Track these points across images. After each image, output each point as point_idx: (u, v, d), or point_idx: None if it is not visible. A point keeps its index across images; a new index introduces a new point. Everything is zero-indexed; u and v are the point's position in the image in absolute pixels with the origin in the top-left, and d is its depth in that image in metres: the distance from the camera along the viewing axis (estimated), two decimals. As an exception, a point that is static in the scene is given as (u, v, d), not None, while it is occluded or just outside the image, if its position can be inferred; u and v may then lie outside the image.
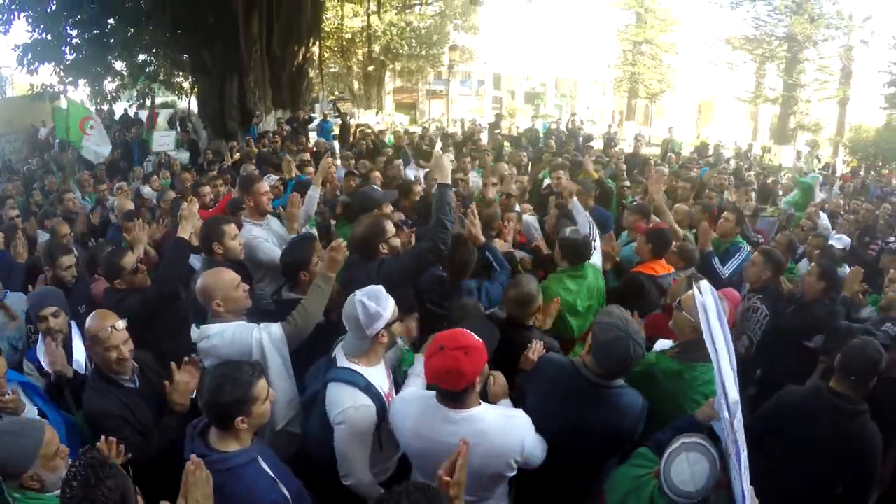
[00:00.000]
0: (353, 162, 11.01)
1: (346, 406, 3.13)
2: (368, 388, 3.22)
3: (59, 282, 5.12)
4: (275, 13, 19.02)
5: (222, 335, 3.67)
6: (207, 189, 7.94)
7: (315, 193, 6.07)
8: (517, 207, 6.77)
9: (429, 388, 3.16)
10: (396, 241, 4.66)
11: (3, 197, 9.31)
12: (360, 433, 3.16)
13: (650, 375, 3.72)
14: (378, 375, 3.37)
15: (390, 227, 4.55)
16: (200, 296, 3.81)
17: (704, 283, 3.14)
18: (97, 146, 12.63)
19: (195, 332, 3.76)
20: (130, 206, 7.45)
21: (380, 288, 3.33)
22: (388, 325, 3.29)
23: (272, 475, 2.86)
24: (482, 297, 4.64)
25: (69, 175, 12.26)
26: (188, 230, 4.57)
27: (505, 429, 2.90)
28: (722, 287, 4.31)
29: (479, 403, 2.94)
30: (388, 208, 6.02)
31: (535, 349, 3.73)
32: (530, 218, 6.78)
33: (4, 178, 14.60)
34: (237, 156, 13.18)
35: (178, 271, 4.59)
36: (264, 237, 5.30)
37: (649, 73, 41.60)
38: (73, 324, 4.35)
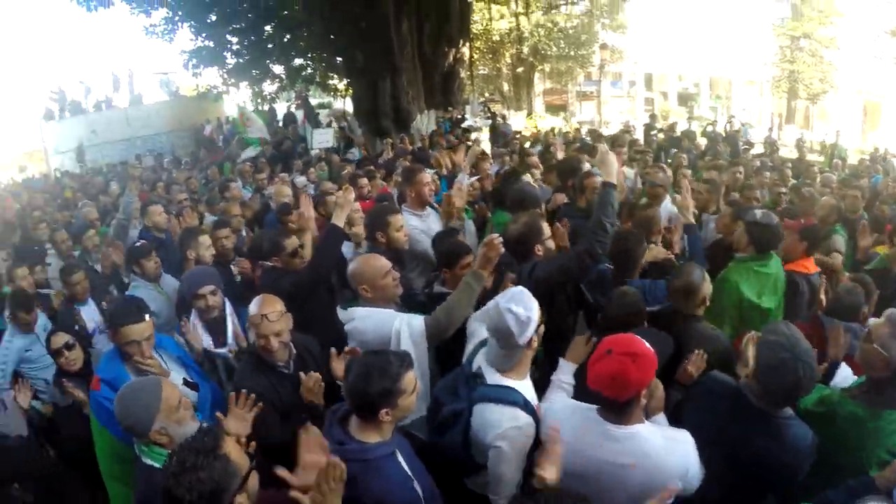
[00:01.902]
0: (507, 159, 10.93)
1: (507, 427, 2.89)
2: (526, 405, 2.99)
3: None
4: (424, 15, 19.53)
5: (365, 319, 3.74)
6: (365, 181, 8.04)
7: (463, 178, 6.03)
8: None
9: (576, 398, 3.07)
10: (551, 244, 4.40)
11: (170, 183, 9.95)
12: (520, 453, 2.94)
13: (829, 416, 3.14)
14: (529, 388, 3.13)
15: (547, 228, 4.33)
16: (351, 279, 3.89)
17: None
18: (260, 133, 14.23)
19: (342, 312, 3.86)
20: (288, 192, 7.74)
21: (522, 290, 3.07)
22: (538, 329, 3.03)
23: (408, 472, 2.76)
24: (647, 298, 4.27)
25: (234, 165, 13.29)
26: (342, 218, 4.58)
27: (669, 451, 2.63)
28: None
29: (643, 420, 2.69)
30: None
31: (695, 361, 3.45)
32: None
33: (173, 167, 15.80)
34: (392, 153, 13.38)
35: (331, 257, 4.58)
36: (422, 228, 5.29)
37: (809, 72, 37.96)
38: (228, 302, 4.51)
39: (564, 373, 3.39)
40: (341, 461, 2.32)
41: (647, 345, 2.62)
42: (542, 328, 3.05)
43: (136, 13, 23.20)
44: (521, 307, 2.92)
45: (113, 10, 22.88)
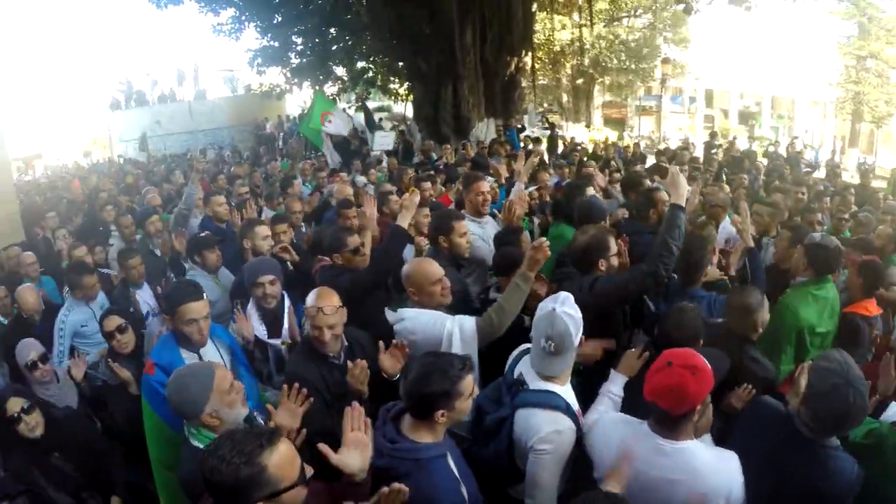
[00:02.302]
0: (566, 171, 10.85)
1: (549, 430, 2.90)
2: (568, 409, 2.99)
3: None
4: (488, 24, 19.41)
5: (415, 319, 3.76)
6: (428, 185, 8.08)
7: (519, 187, 5.96)
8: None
9: (623, 412, 3.07)
10: (615, 261, 4.28)
11: (233, 177, 10.17)
12: (561, 458, 2.93)
13: (877, 448, 3.04)
14: (570, 394, 3.13)
15: (613, 244, 4.24)
16: (404, 280, 3.94)
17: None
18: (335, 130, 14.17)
19: (390, 314, 3.87)
20: (349, 191, 7.77)
21: (567, 294, 3.09)
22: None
23: (457, 475, 2.74)
24: (710, 310, 4.21)
25: (294, 163, 13.47)
26: (408, 219, 4.60)
27: (717, 470, 2.60)
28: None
29: (692, 437, 2.65)
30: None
31: (741, 395, 3.46)
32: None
33: (234, 161, 16.13)
34: (452, 158, 13.42)
35: (392, 258, 4.57)
36: (480, 235, 5.27)
37: (875, 93, 35.78)
38: (286, 294, 4.55)
39: (615, 384, 3.39)
40: (405, 487, 2.33)
41: (706, 361, 2.59)
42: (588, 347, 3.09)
43: (204, 11, 24.14)
44: (574, 309, 3.00)
45: (182, 8, 23.78)
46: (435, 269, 3.89)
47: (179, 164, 18.50)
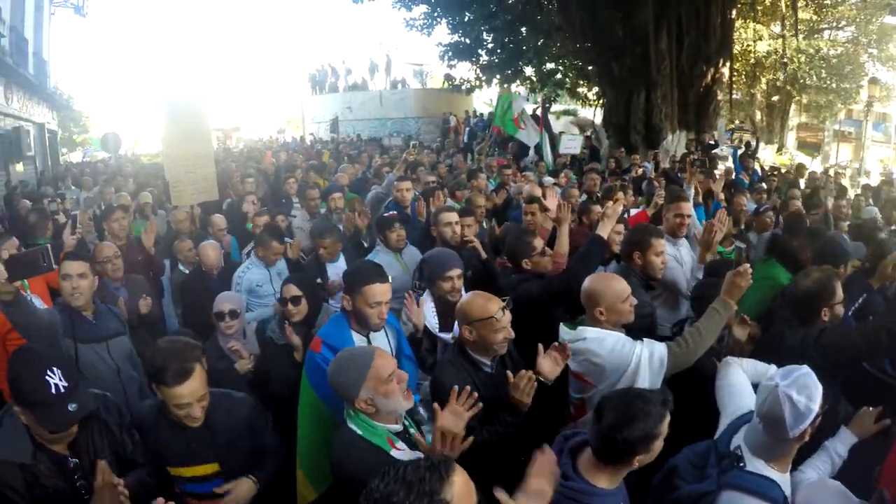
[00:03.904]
0: (764, 196, 10.03)
1: None
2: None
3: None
4: (685, 30, 18.78)
5: (601, 342, 3.50)
6: (620, 195, 7.81)
7: (723, 211, 5.52)
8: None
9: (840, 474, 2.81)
10: (840, 309, 3.84)
11: (416, 165, 10.37)
12: None
13: None
14: (787, 482, 2.69)
15: (840, 291, 3.81)
16: (585, 297, 3.66)
17: None
18: (527, 139, 14.88)
19: (566, 331, 3.65)
20: (538, 192, 7.63)
21: (807, 373, 2.57)
22: (815, 420, 2.54)
23: None
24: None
25: (481, 159, 14.19)
26: (608, 229, 4.50)
27: None
28: None
29: None
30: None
31: None
32: None
33: (417, 151, 16.66)
34: (640, 170, 13.10)
35: (589, 268, 4.38)
36: (673, 255, 4.98)
37: None
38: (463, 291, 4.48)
39: (841, 442, 3.06)
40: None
41: None
42: (820, 419, 2.57)
43: (397, 7, 25.85)
44: (804, 395, 2.49)
45: (377, 3, 25.84)
46: (623, 284, 3.66)
47: (368, 148, 19.71)
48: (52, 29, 25.49)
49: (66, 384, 2.50)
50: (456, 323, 3.67)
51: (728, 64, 21.09)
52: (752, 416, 2.73)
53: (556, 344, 3.33)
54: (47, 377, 2.46)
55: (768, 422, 2.56)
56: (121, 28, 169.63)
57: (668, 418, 2.47)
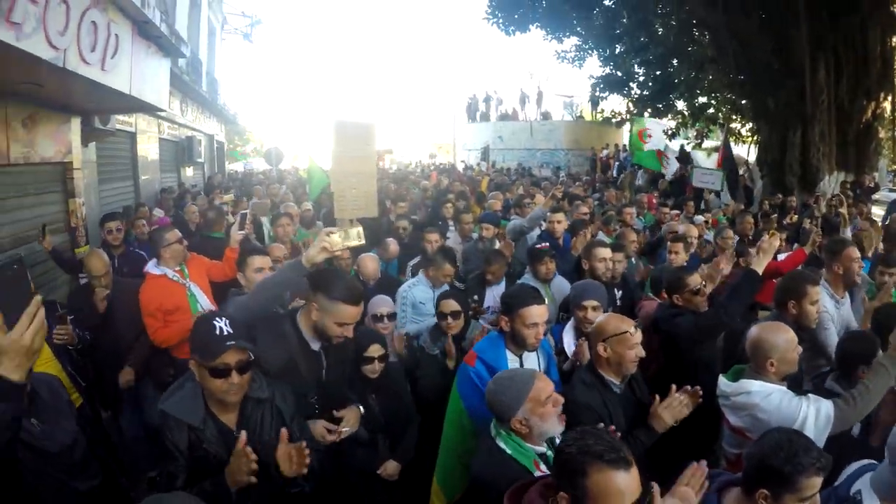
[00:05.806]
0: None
1: None
2: None
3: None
4: (843, 60, 17.14)
5: (767, 398, 3.36)
6: (775, 232, 7.69)
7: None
8: None
9: None
10: None
11: (573, 197, 10.83)
12: None
13: None
14: None
15: None
16: (753, 347, 3.56)
17: None
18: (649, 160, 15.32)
19: (727, 384, 3.55)
20: (695, 233, 7.71)
21: None
22: None
23: None
24: None
25: (630, 192, 14.31)
26: (763, 264, 4.37)
27: None
28: None
29: None
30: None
31: None
32: None
33: (565, 184, 16.96)
34: (794, 216, 12.19)
35: (743, 305, 4.45)
36: (832, 314, 4.76)
37: None
38: None
39: None
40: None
41: None
42: None
43: (549, 39, 25.98)
44: None
45: (528, 35, 26.02)
46: (792, 334, 3.53)
47: (520, 177, 20.23)
48: (222, 52, 27.53)
49: (230, 330, 2.75)
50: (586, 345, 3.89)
51: (889, 98, 19.00)
52: (872, 464, 2.76)
53: (688, 388, 3.36)
54: (215, 322, 2.76)
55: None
56: (282, 54, 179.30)
57: (814, 480, 2.41)
